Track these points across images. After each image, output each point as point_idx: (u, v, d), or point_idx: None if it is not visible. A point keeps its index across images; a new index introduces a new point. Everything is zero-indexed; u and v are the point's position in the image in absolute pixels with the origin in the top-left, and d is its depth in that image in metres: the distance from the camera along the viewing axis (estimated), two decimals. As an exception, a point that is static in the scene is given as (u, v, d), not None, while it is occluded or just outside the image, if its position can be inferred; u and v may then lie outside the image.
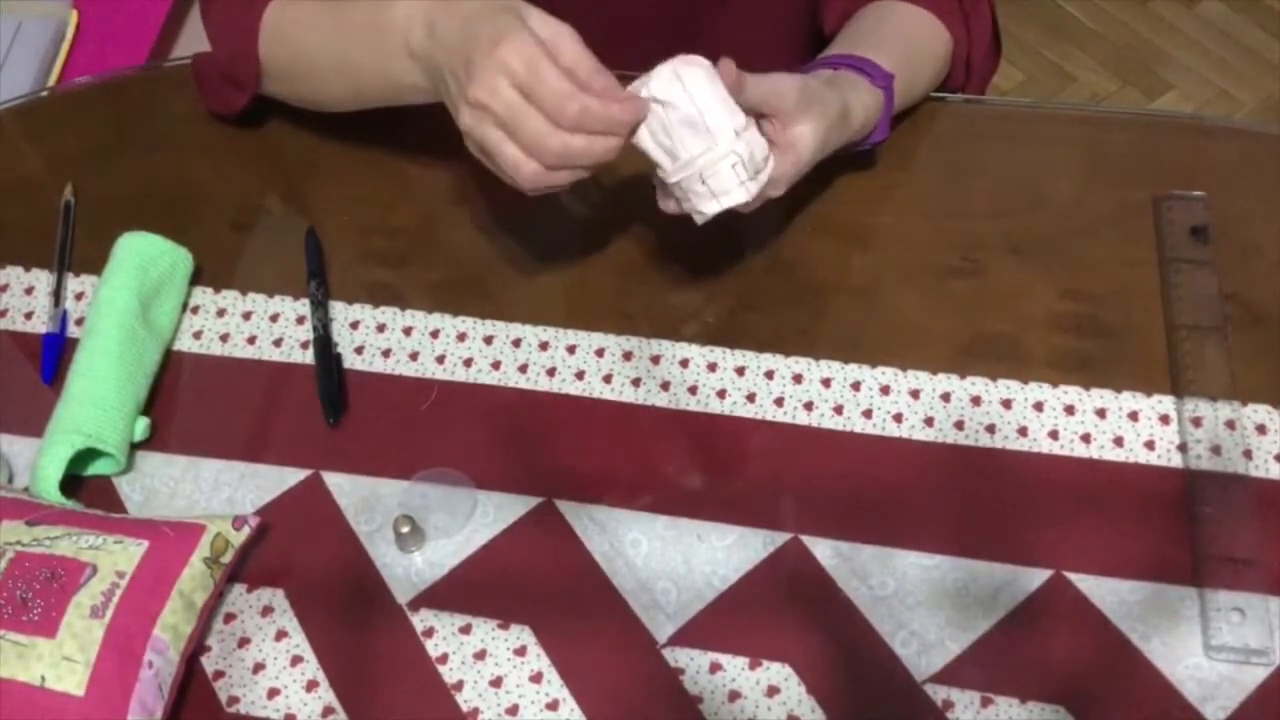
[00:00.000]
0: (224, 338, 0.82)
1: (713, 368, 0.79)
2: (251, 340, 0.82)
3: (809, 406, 0.77)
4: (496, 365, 0.80)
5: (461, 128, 0.70)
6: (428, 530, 0.73)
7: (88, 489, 0.75)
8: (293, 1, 0.84)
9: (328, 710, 0.67)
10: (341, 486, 0.75)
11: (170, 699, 0.66)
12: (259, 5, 0.84)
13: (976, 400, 0.76)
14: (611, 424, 0.77)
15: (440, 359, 0.80)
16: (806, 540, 0.71)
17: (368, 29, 0.77)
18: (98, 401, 0.74)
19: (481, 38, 0.67)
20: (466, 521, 0.73)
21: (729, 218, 0.72)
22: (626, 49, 0.95)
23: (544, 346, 0.80)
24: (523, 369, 0.79)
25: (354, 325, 0.82)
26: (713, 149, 0.68)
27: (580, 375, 0.79)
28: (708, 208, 0.70)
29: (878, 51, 0.82)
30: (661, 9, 0.94)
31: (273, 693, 0.68)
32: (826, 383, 0.78)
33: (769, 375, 0.78)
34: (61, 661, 0.63)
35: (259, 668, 0.69)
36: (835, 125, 0.75)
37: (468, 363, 0.80)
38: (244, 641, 0.70)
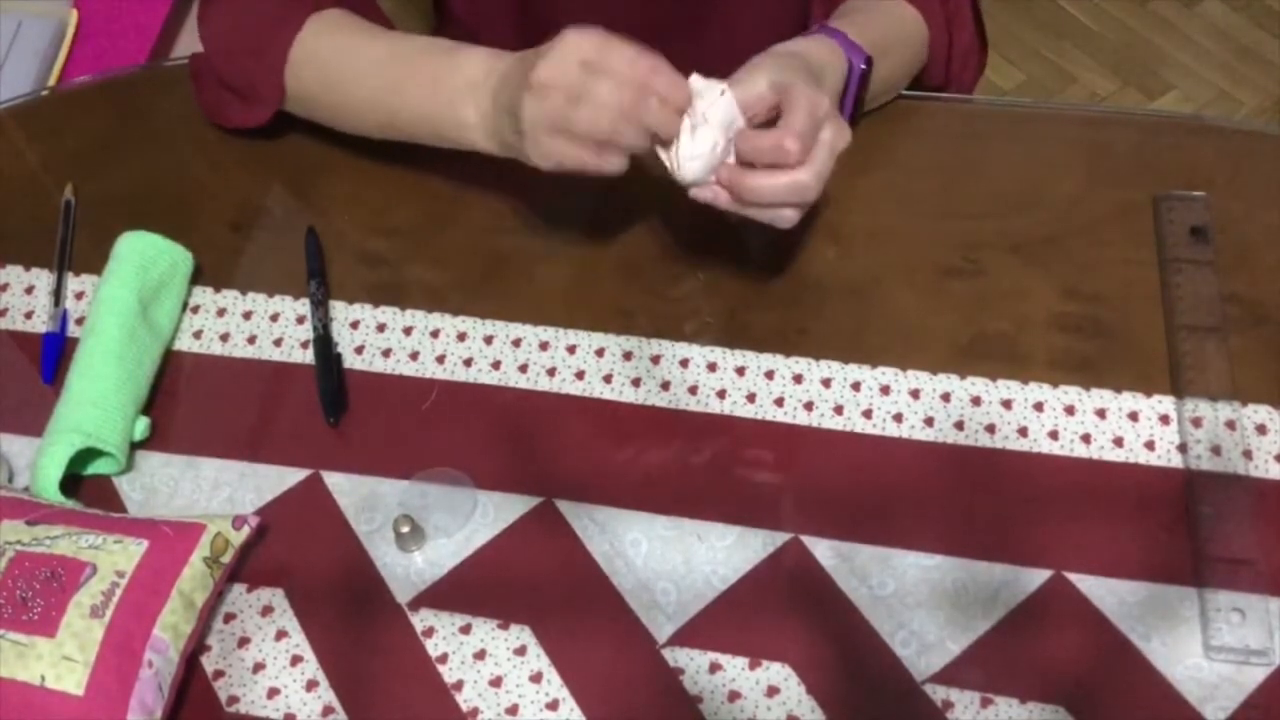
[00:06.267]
0: (224, 337, 0.82)
1: (713, 368, 0.79)
2: (251, 340, 0.82)
3: (809, 406, 0.77)
4: (496, 365, 0.80)
5: (525, 122, 0.70)
6: (428, 530, 0.73)
7: (88, 489, 0.75)
8: (333, 31, 0.84)
9: (327, 710, 0.67)
10: (341, 486, 0.75)
11: (170, 699, 0.66)
12: (289, 28, 0.83)
13: (976, 400, 0.76)
14: (612, 424, 0.77)
15: (440, 359, 0.80)
16: (806, 540, 0.71)
17: (428, 72, 0.78)
18: (98, 401, 0.74)
19: (543, 45, 0.70)
20: (466, 521, 0.73)
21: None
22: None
23: (544, 346, 0.80)
24: (523, 369, 0.79)
25: (354, 325, 0.82)
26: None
27: (580, 375, 0.79)
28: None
29: (852, 29, 0.81)
30: (656, 10, 0.94)
31: (273, 692, 0.68)
32: (826, 383, 0.78)
33: (769, 375, 0.78)
34: (61, 661, 0.63)
35: (259, 667, 0.69)
36: (802, 68, 0.75)
37: (468, 363, 0.80)
38: (244, 641, 0.70)
